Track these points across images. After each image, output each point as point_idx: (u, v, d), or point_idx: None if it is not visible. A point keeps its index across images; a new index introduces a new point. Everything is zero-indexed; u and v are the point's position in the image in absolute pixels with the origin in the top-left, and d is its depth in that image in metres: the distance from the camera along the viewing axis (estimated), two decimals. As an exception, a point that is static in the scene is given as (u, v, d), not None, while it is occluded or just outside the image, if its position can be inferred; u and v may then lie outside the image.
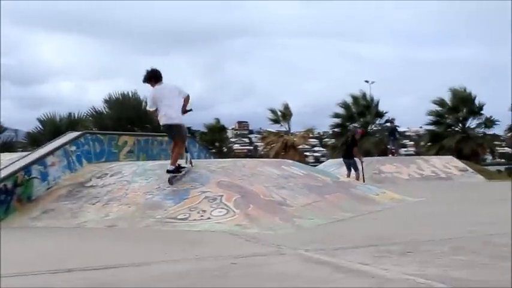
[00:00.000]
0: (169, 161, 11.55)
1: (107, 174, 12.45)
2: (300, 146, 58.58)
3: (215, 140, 64.47)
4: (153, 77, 11.42)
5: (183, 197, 10.49)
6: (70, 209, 11.00)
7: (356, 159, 22.22)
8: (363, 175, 21.85)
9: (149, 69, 11.53)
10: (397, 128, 34.67)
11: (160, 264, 6.14)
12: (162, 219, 9.78)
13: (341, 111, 55.91)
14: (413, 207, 13.31)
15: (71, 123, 40.02)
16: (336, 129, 56.59)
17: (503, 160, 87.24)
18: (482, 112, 51.78)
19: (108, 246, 7.82)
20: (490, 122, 52.54)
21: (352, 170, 21.99)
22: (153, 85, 11.38)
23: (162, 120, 11.34)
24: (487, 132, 53.64)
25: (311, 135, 65.58)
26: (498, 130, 54.43)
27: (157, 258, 6.49)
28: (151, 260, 6.37)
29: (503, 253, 6.35)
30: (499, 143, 62.15)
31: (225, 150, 68.44)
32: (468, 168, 30.16)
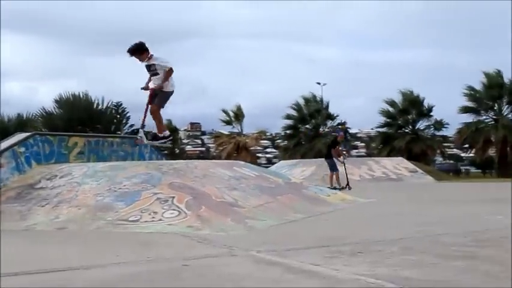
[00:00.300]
0: (119, 162, 11.46)
1: (56, 175, 12.27)
2: (252, 148, 58.80)
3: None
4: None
5: (135, 198, 10.40)
6: (19, 211, 10.80)
7: (335, 160, 22.68)
8: (347, 178, 22.21)
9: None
10: (348, 129, 35.06)
11: (111, 267, 6.07)
12: (113, 221, 9.68)
13: (293, 113, 56.31)
14: (364, 208, 13.46)
15: (20, 123, 39.41)
16: (288, 131, 56.95)
17: (451, 161, 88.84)
18: (431, 114, 52.73)
19: (58, 249, 7.70)
20: (439, 125, 53.53)
21: (330, 170, 22.55)
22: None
23: None
24: (436, 134, 54.65)
25: (263, 137, 65.88)
26: (447, 132, 55.42)
27: (108, 260, 6.42)
28: (102, 262, 6.30)
29: (452, 252, 6.46)
30: (448, 144, 63.21)
31: (177, 151, 68.19)
32: (418, 169, 30.64)
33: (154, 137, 11.93)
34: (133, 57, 11.19)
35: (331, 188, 21.24)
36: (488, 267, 5.55)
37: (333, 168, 22.54)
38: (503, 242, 7.23)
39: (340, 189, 21.34)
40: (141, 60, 11.23)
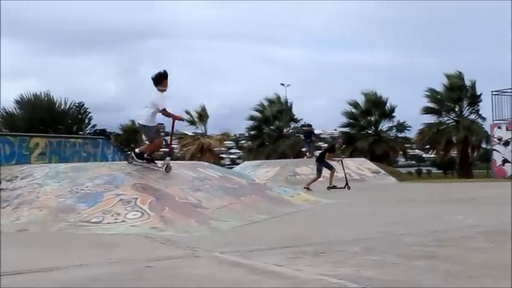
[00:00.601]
0: (82, 163, 11.37)
1: (17, 177, 12.10)
2: (216, 149, 58.69)
3: (130, 142, 63.63)
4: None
5: (97, 200, 10.31)
6: (-22, 213, 10.63)
7: (329, 161, 22.81)
8: (346, 180, 22.26)
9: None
10: (313, 131, 35.24)
11: (73, 269, 6.01)
12: (75, 222, 9.58)
13: (257, 114, 56.37)
14: (328, 208, 13.53)
15: (-21, 125, 38.75)
16: (252, 132, 56.99)
17: (413, 162, 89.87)
18: (394, 115, 53.23)
19: (19, 251, 7.59)
20: (401, 127, 54.06)
21: (328, 170, 22.60)
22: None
23: None
24: (399, 135, 55.17)
25: (227, 138, 65.84)
26: (410, 133, 55.97)
27: (70, 262, 6.35)
28: (64, 264, 6.23)
29: (413, 252, 6.54)
30: (410, 145, 63.87)
31: (141, 152, 67.65)
32: (380, 170, 30.90)
33: (138, 155, 11.97)
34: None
35: (331, 188, 21.92)
36: (449, 266, 5.63)
37: (328, 167, 22.68)
38: (463, 242, 7.33)
39: (332, 187, 21.87)
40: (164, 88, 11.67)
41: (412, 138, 57.17)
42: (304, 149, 36.27)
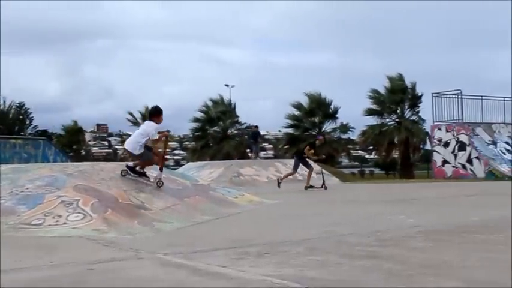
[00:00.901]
0: (22, 165, 11.14)
1: (-46, 178, 11.78)
2: (160, 150, 58.33)
3: (73, 143, 62.82)
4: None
5: (37, 201, 10.11)
6: None
7: (309, 161, 22.49)
8: (323, 180, 22.15)
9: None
10: (259, 132, 35.33)
11: (12, 272, 5.88)
12: (15, 225, 9.38)
13: (201, 114, 56.26)
14: (271, 209, 13.58)
15: None
16: (196, 133, 56.85)
17: (356, 163, 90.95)
18: (337, 116, 53.81)
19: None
20: (345, 128, 54.68)
21: (306, 168, 22.34)
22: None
23: None
24: (342, 137, 55.77)
25: (171, 139, 65.46)
26: (353, 134, 56.61)
27: (9, 266, 6.21)
28: (3, 267, 6.09)
29: (356, 252, 6.61)
30: (353, 146, 64.65)
31: (83, 153, 66.89)
32: (324, 170, 31.12)
33: (131, 169, 12.19)
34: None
35: (308, 187, 21.71)
36: (391, 266, 5.70)
37: (297, 167, 22.45)
38: (404, 241, 7.45)
39: (309, 187, 21.69)
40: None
41: (355, 139, 57.93)
42: (248, 150, 36.29)
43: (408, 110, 50.18)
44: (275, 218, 11.46)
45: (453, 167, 29.57)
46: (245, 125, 56.31)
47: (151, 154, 12.35)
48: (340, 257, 6.28)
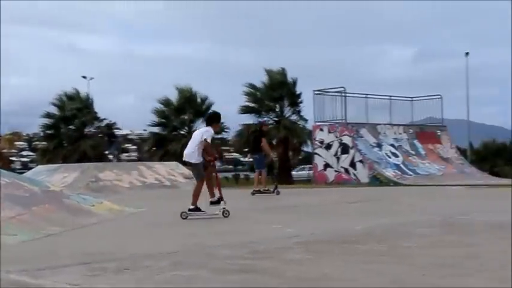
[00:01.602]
0: None
1: None
2: (5, 150, 56.58)
3: None
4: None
5: None
6: None
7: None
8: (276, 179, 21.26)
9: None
10: (115, 131, 34.85)
11: None
12: None
13: (54, 110, 54.93)
14: (134, 218, 13.47)
15: None
16: (48, 131, 55.44)
17: (231, 166, 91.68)
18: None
19: None
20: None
21: (263, 171, 20.88)
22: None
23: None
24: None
25: (18, 139, 63.74)
26: (227, 134, 56.80)
27: None
28: None
29: (227, 266, 6.65)
30: (228, 148, 65.04)
31: None
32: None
33: (193, 210, 12.74)
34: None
35: (256, 192, 20.54)
36: (265, 280, 5.79)
37: (260, 165, 20.97)
38: (281, 253, 7.57)
39: (266, 192, 20.63)
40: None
41: (230, 140, 58.23)
42: (106, 152, 35.80)
43: (288, 108, 50.93)
44: (138, 229, 11.37)
45: (335, 171, 29.98)
46: (105, 121, 55.44)
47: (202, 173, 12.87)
48: (209, 272, 6.30)
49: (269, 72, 50.13)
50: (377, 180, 28.36)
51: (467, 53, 54.80)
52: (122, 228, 11.55)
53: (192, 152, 12.70)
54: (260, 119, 47.64)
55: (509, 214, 10.83)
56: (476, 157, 55.16)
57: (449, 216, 11.89)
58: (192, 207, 12.69)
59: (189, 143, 12.98)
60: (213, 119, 13.07)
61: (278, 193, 20.72)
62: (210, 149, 12.96)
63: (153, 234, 10.39)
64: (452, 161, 33.08)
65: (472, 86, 64.32)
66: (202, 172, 12.81)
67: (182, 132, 53.42)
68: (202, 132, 12.79)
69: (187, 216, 12.50)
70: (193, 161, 12.69)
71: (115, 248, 8.54)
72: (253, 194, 20.59)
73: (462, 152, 43.12)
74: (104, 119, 55.70)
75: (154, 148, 53.08)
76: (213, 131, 12.82)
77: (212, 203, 12.87)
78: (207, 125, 12.95)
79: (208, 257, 7.41)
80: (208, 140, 12.59)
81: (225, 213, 12.56)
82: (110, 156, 32.45)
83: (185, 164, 13.45)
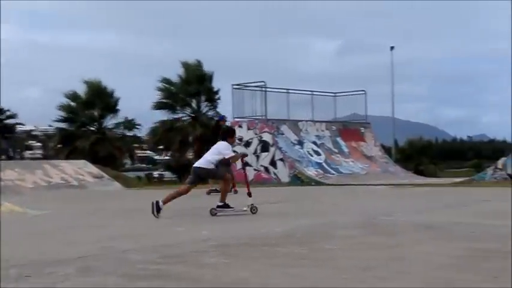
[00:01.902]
0: None
1: None
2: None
3: None
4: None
5: None
6: None
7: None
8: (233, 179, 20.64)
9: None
10: (14, 128, 34.07)
11: None
12: None
13: None
14: (37, 221, 13.26)
15: None
16: None
17: (144, 165, 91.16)
18: (118, 108, 53.20)
19: None
20: (130, 124, 54.31)
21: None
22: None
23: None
24: (128, 134, 55.39)
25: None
26: (140, 131, 56.42)
27: None
28: None
29: (138, 271, 6.59)
30: (140, 145, 64.65)
31: None
32: (104, 174, 30.84)
33: (221, 206, 13.37)
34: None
35: (213, 191, 20.63)
36: (179, 286, 5.75)
37: (228, 164, 20.59)
38: (195, 257, 7.54)
39: (213, 191, 20.67)
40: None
41: (143, 137, 57.84)
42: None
43: (206, 103, 50.88)
44: (41, 233, 11.17)
45: (255, 170, 29.99)
46: (6, 113, 54.31)
47: (223, 171, 13.91)
48: (119, 278, 6.24)
49: (185, 65, 49.99)
50: (298, 179, 28.53)
51: (392, 47, 55.62)
52: (22, 232, 11.30)
53: (208, 160, 13.42)
54: (175, 116, 47.62)
55: (433, 214, 11.05)
56: (401, 155, 56.15)
57: (373, 217, 12.09)
58: (220, 203, 13.33)
59: (205, 155, 13.69)
60: (228, 133, 13.89)
61: (236, 192, 20.42)
62: (236, 156, 14.22)
63: (57, 238, 10.21)
64: (376, 159, 33.54)
65: (397, 82, 65.26)
66: (220, 172, 13.69)
67: (92, 128, 52.82)
68: (219, 150, 13.44)
69: (216, 213, 13.07)
70: (207, 166, 13.36)
71: (14, 253, 8.33)
72: (208, 194, 21.24)
73: (387, 150, 43.76)
74: (7, 110, 54.65)
75: (60, 145, 52.30)
76: (230, 146, 13.78)
77: (219, 206, 13.39)
78: (223, 139, 13.62)
79: (117, 262, 7.33)
80: (230, 152, 13.55)
81: (253, 210, 13.17)
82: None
83: (197, 173, 13.66)
